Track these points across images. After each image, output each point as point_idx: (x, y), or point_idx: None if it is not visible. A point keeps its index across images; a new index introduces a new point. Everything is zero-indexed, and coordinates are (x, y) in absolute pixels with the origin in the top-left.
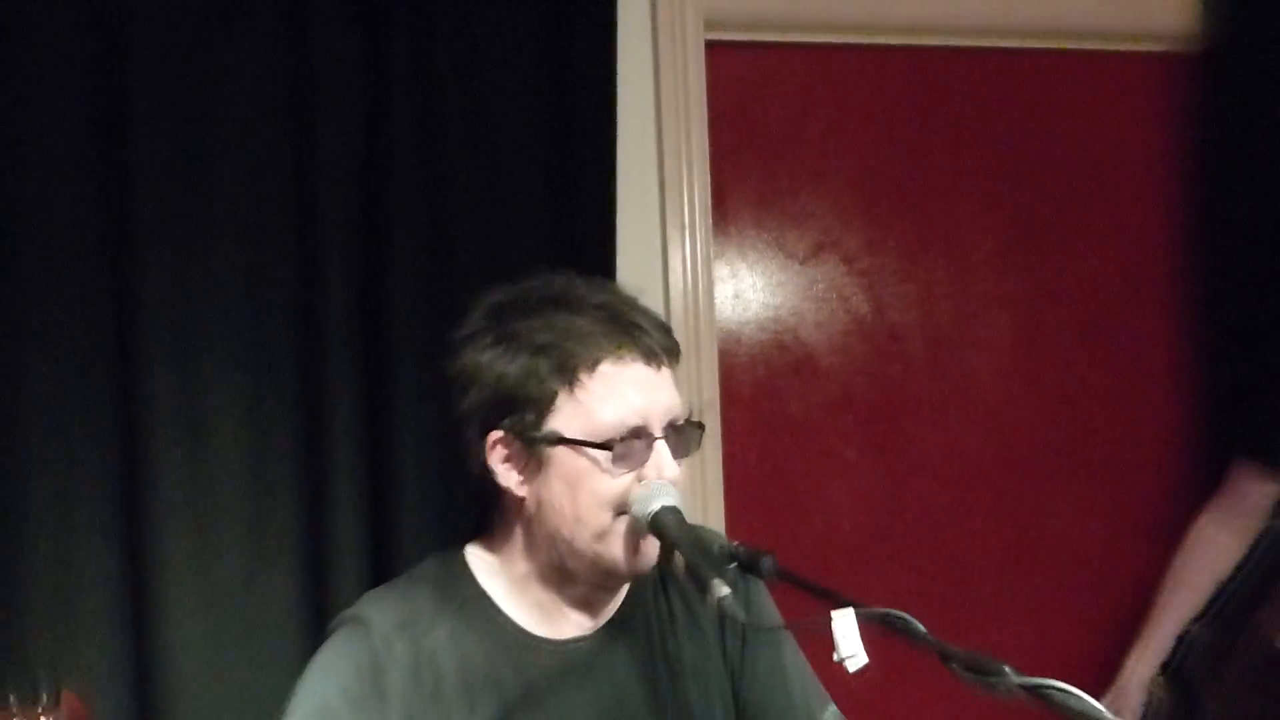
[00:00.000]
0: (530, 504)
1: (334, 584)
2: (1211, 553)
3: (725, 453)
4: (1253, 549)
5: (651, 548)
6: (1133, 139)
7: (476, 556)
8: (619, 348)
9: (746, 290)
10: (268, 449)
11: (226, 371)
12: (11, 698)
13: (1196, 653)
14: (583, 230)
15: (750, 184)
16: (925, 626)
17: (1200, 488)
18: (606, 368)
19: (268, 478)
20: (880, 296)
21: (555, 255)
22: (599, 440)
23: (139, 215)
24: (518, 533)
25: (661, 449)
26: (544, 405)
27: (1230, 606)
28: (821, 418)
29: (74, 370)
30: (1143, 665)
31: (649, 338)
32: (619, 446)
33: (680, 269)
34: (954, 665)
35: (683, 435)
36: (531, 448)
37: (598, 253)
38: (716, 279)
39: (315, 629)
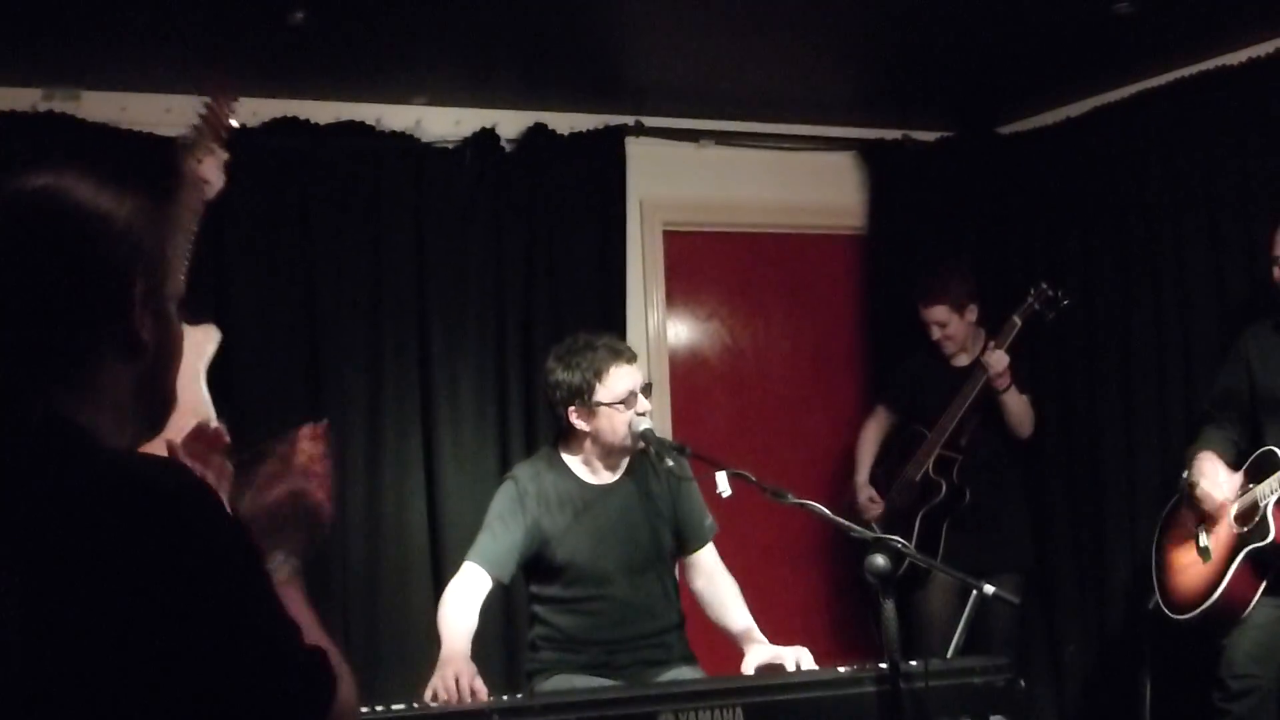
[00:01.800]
0: (591, 430)
1: (509, 461)
2: (871, 438)
3: (672, 401)
4: (894, 437)
5: (638, 443)
6: (837, 276)
7: (561, 451)
8: (615, 360)
9: (681, 334)
10: (486, 412)
11: (465, 382)
12: None
13: (879, 476)
14: (610, 315)
15: (682, 289)
16: (756, 475)
17: (865, 413)
18: (613, 370)
19: (487, 422)
20: (736, 335)
21: (601, 327)
22: (618, 400)
23: (436, 331)
24: (586, 441)
25: (640, 397)
26: (591, 391)
27: (889, 459)
28: (712, 384)
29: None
30: (861, 482)
31: (625, 352)
32: (626, 401)
33: (654, 326)
34: (766, 492)
35: (647, 389)
36: (589, 409)
37: (618, 324)
38: (668, 329)
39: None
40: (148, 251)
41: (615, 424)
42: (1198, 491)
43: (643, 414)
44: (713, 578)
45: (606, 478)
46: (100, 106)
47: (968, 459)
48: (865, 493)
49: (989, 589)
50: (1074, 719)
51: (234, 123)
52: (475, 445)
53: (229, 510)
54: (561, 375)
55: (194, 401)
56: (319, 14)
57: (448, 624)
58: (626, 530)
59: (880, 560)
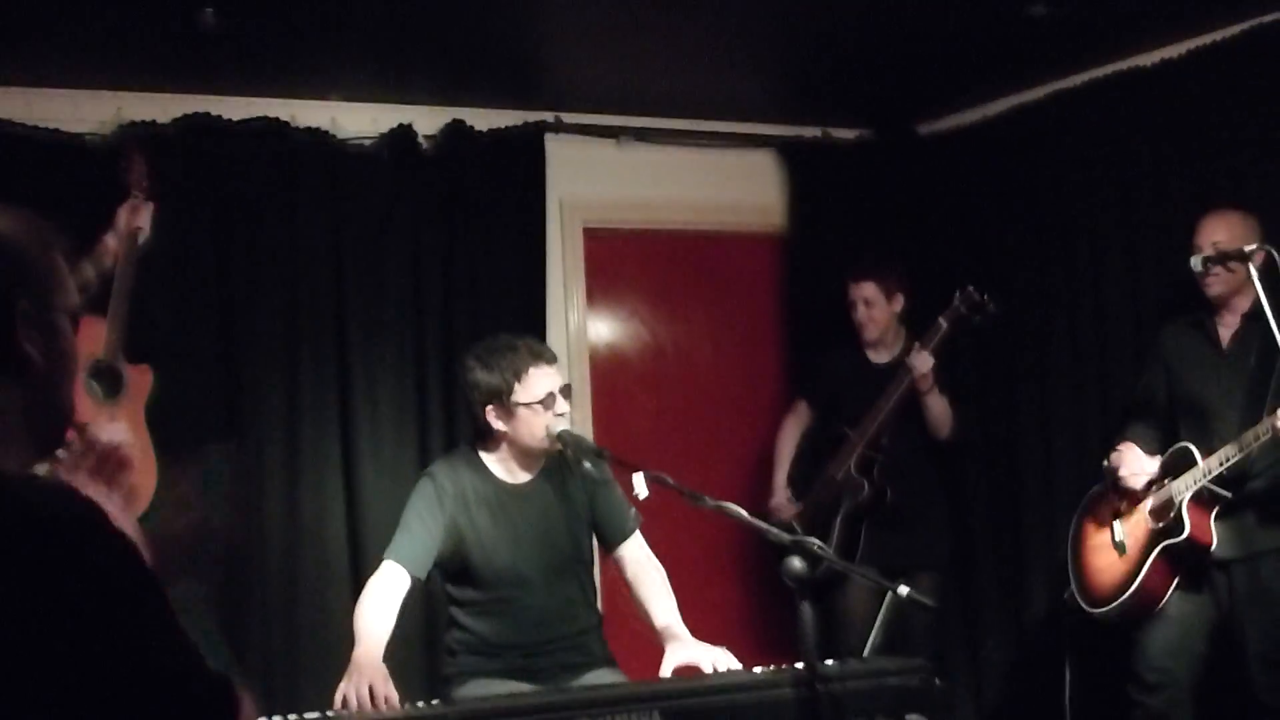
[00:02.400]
0: (509, 431)
1: (429, 464)
2: (791, 434)
3: (593, 402)
4: (815, 435)
5: (556, 444)
6: (759, 275)
7: (479, 450)
8: (535, 362)
9: (601, 333)
10: (406, 415)
11: (384, 385)
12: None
13: (800, 475)
14: (530, 315)
15: (602, 288)
16: (676, 476)
17: (785, 407)
18: (533, 371)
19: (407, 425)
20: (657, 335)
21: (521, 327)
22: (536, 402)
23: (353, 333)
24: (502, 442)
25: (560, 399)
26: (509, 392)
27: (811, 457)
28: (633, 384)
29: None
30: (779, 483)
31: (545, 354)
32: (545, 402)
33: (575, 326)
34: (684, 495)
35: (566, 391)
36: (508, 409)
37: (538, 324)
38: (588, 329)
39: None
40: (32, 266)
41: (533, 426)
42: (1121, 474)
43: (560, 415)
44: (640, 569)
45: (523, 477)
46: (4, 103)
47: (889, 458)
48: (781, 494)
49: (903, 590)
50: (994, 715)
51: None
52: (395, 449)
53: (121, 532)
54: (480, 375)
55: (143, 443)
56: (228, 13)
57: (363, 626)
58: (544, 532)
59: (797, 563)
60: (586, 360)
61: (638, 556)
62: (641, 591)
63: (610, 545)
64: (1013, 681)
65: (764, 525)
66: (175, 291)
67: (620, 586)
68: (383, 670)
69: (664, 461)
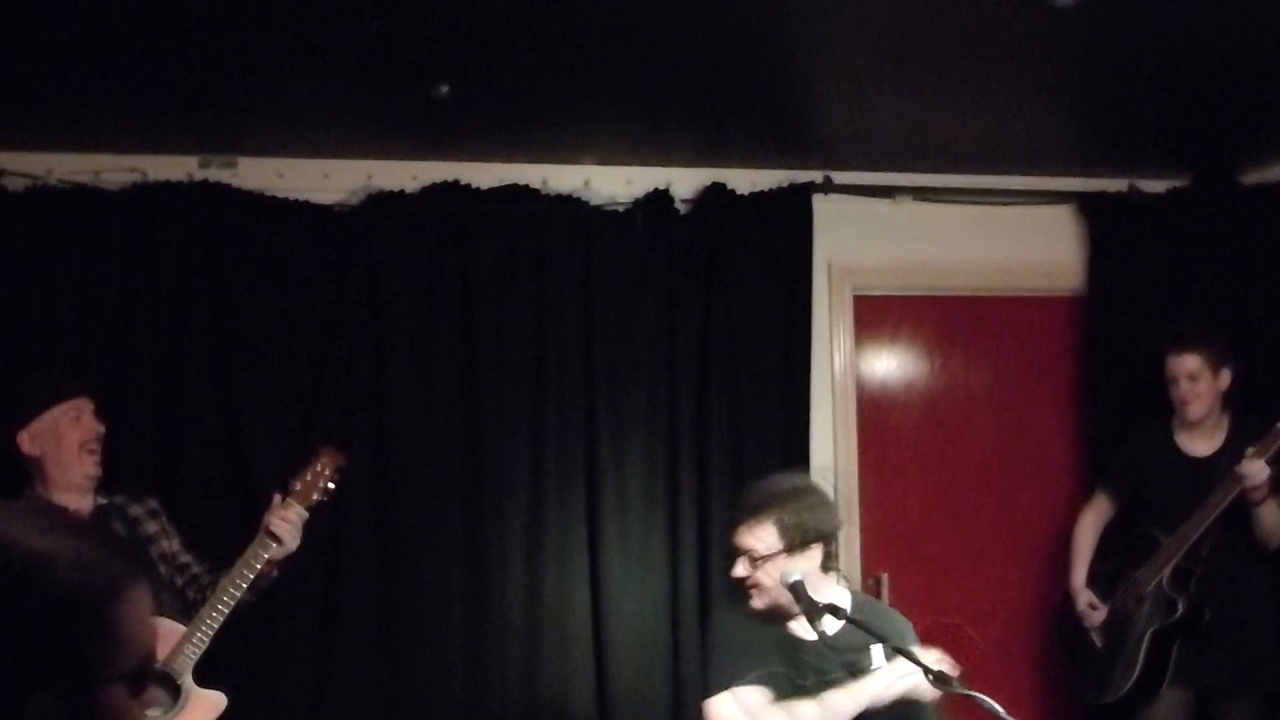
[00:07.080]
0: None
1: (679, 549)
2: (1089, 528)
3: (860, 483)
4: (1119, 537)
5: (784, 597)
6: (1050, 342)
7: None
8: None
9: (873, 408)
10: (656, 495)
11: (634, 462)
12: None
13: (1099, 575)
14: (794, 391)
15: (874, 358)
16: (950, 571)
17: (1081, 494)
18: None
19: (657, 506)
20: (936, 408)
21: (783, 404)
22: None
23: (603, 407)
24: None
25: (743, 562)
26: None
27: (1113, 557)
28: (907, 462)
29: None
30: (1078, 583)
31: (732, 513)
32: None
33: (844, 401)
34: (931, 677)
35: (752, 561)
36: None
37: (803, 400)
38: (859, 404)
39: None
40: (78, 624)
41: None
42: None
43: (742, 577)
44: None
45: (812, 635)
46: (257, 173)
47: (1208, 571)
48: (1084, 597)
49: None
50: None
51: None
52: (642, 531)
53: None
54: None
55: None
56: (465, 85)
57: None
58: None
59: None
60: (854, 438)
61: None
62: None
63: None
64: None
65: None
66: (420, 355)
67: None
68: None
69: (942, 544)
